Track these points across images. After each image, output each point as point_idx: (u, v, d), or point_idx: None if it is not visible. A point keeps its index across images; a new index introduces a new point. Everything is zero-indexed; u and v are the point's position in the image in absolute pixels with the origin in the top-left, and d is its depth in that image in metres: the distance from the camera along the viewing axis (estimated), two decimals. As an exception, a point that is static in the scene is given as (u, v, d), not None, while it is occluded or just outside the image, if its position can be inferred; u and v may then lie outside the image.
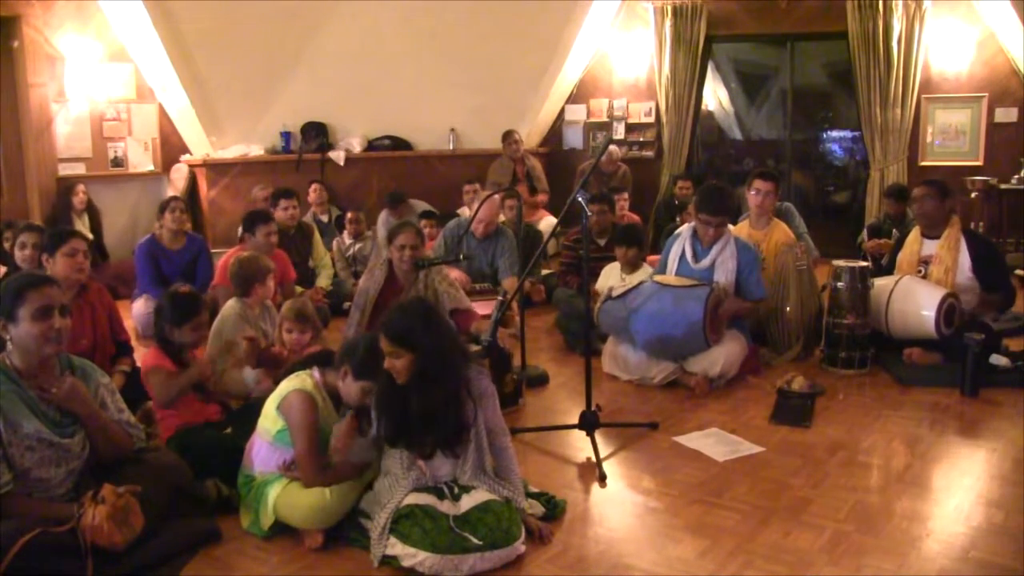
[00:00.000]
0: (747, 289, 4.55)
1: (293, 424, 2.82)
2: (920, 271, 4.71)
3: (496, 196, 5.92)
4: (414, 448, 2.76)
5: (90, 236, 7.15)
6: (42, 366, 2.64)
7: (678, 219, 7.16)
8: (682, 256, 4.66)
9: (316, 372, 2.94)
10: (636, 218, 7.46)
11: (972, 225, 7.08)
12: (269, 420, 2.90)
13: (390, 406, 2.74)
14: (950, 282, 4.56)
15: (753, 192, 5.12)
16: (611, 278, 5.27)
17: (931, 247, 4.74)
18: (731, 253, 4.54)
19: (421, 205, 7.94)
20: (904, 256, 4.87)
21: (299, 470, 2.85)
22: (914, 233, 4.90)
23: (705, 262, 4.56)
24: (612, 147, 8.57)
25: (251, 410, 3.34)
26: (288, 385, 2.89)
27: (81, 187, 7.21)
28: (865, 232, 6.75)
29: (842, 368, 4.57)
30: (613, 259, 5.50)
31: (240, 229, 5.89)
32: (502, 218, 6.11)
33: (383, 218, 7.49)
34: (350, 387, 2.88)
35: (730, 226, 5.15)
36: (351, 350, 2.91)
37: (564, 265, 6.03)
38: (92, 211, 7.36)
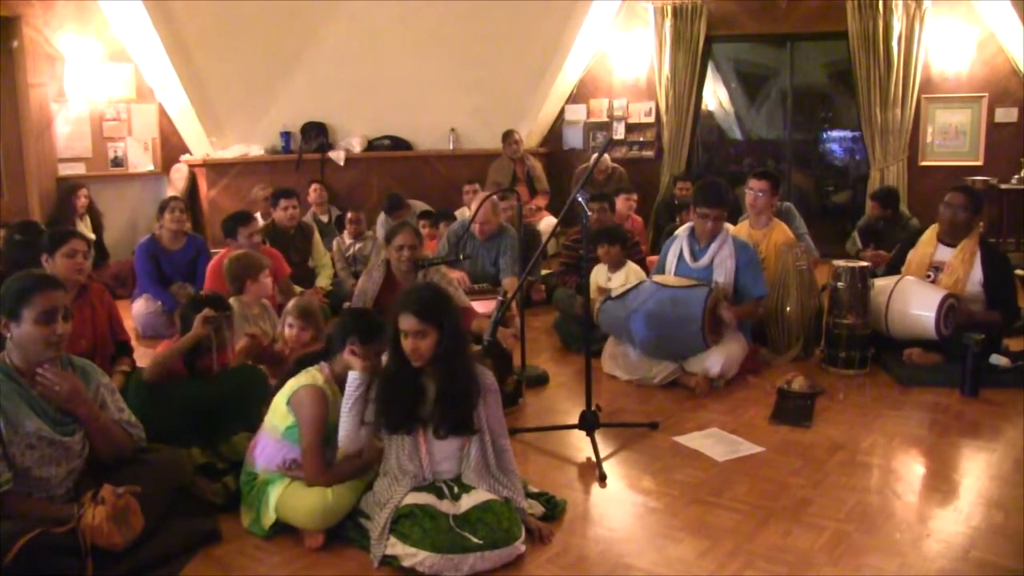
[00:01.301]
0: (748, 288, 4.55)
1: (303, 418, 2.83)
2: (929, 276, 4.64)
3: (493, 197, 5.91)
4: (419, 435, 2.76)
5: (92, 236, 7.15)
6: (42, 365, 2.64)
7: (677, 219, 7.15)
8: (680, 256, 4.66)
9: (325, 367, 2.95)
10: (639, 219, 7.46)
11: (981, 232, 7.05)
12: (278, 416, 2.91)
13: (402, 390, 2.75)
14: (959, 291, 4.48)
15: (748, 191, 5.13)
16: (598, 278, 5.25)
17: (945, 253, 4.64)
18: (729, 252, 4.54)
19: (420, 205, 7.96)
20: (915, 257, 4.78)
21: (303, 465, 2.85)
22: (930, 234, 4.78)
23: (703, 261, 4.56)
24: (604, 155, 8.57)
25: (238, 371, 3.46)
26: (299, 381, 2.90)
27: (84, 190, 7.22)
28: (856, 235, 6.73)
29: (842, 368, 4.57)
30: None
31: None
32: (501, 219, 6.11)
33: (382, 220, 7.54)
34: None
35: (730, 226, 5.16)
36: (346, 325, 2.94)
37: (564, 265, 6.03)
38: (93, 213, 7.36)
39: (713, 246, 4.55)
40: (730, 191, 4.88)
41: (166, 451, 3.04)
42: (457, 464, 2.80)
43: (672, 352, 4.40)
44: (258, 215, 6.29)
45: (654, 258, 5.32)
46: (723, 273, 4.50)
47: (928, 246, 4.75)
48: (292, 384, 2.91)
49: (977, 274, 4.53)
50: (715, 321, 4.33)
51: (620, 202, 6.85)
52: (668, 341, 4.33)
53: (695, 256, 4.61)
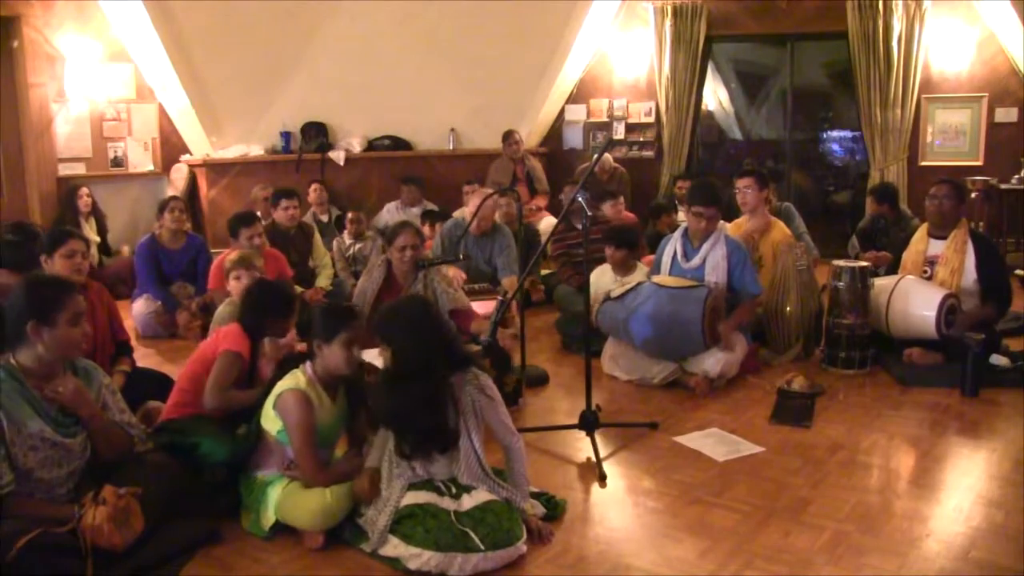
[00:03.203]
0: (745, 287, 4.54)
1: (290, 423, 2.83)
2: (926, 271, 4.67)
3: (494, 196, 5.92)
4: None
5: (97, 239, 7.16)
6: (49, 367, 2.66)
7: (662, 217, 7.17)
8: (674, 257, 4.67)
9: (308, 367, 2.94)
10: (632, 216, 7.44)
11: (971, 225, 7.07)
12: (269, 420, 2.91)
13: (380, 389, 2.80)
14: (955, 284, 4.51)
15: (736, 192, 5.16)
16: (604, 280, 5.21)
17: (938, 247, 4.68)
18: (722, 252, 4.53)
19: (428, 204, 8.07)
20: (909, 255, 4.81)
21: (299, 468, 2.85)
22: (920, 232, 4.84)
23: (695, 261, 4.56)
24: (605, 155, 8.59)
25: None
26: (282, 385, 2.89)
27: (85, 190, 7.22)
28: (855, 239, 6.74)
29: (842, 368, 4.57)
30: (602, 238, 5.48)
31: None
32: (496, 216, 6.12)
33: (389, 208, 7.98)
34: (332, 354, 2.86)
35: (727, 224, 5.18)
36: (307, 325, 2.95)
37: (559, 257, 6.00)
38: (97, 213, 7.36)
39: (705, 246, 4.55)
40: (723, 190, 4.89)
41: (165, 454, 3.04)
42: (448, 468, 2.79)
43: (672, 352, 4.40)
44: (258, 215, 6.29)
45: (651, 258, 5.31)
46: (716, 273, 4.49)
47: (920, 243, 4.79)
48: (277, 388, 2.90)
49: (971, 264, 4.55)
50: (714, 322, 4.33)
51: (608, 208, 6.82)
52: (668, 342, 4.33)
53: (687, 256, 4.61)
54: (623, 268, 5.21)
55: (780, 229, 5.14)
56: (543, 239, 5.35)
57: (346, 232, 6.93)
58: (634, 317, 4.37)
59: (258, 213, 6.25)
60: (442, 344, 2.77)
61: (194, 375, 3.33)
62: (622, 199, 6.72)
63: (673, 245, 4.71)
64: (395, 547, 2.62)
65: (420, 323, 2.76)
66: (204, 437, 3.06)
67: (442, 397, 2.73)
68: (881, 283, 4.67)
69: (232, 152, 8.35)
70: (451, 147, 8.91)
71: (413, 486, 2.73)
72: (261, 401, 2.99)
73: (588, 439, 3.47)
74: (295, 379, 2.89)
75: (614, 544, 2.78)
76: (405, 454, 2.74)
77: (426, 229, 6.76)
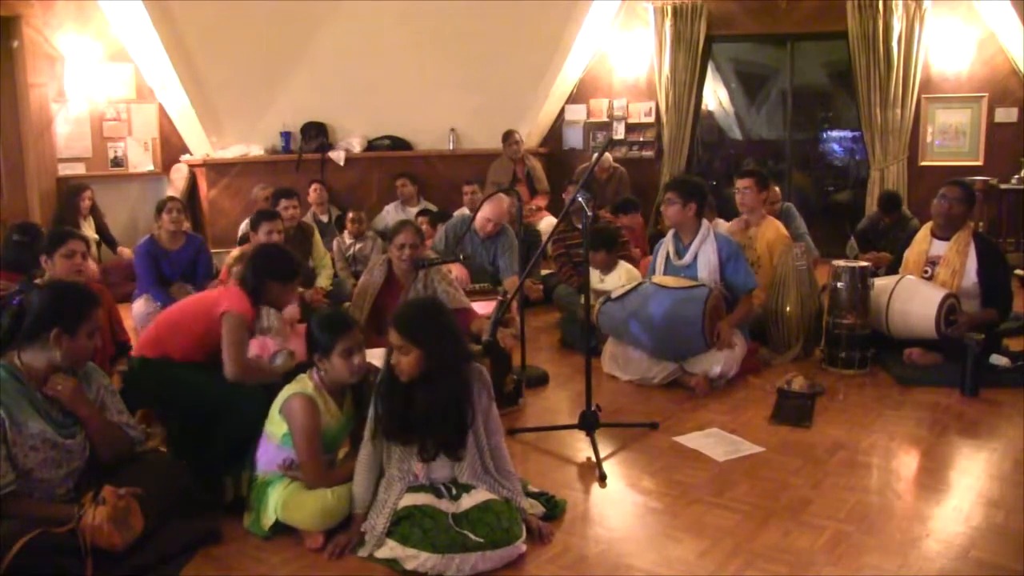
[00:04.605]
0: (737, 282, 4.52)
1: (295, 428, 2.83)
2: (927, 272, 4.66)
3: (503, 196, 5.89)
4: (413, 446, 2.75)
5: (95, 236, 7.17)
6: (54, 371, 2.67)
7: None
8: (667, 257, 4.67)
9: (315, 373, 2.94)
10: (639, 220, 7.43)
11: (974, 226, 7.07)
12: (274, 424, 2.91)
13: (391, 399, 2.74)
14: (955, 285, 4.50)
15: (736, 192, 5.16)
16: (592, 281, 5.24)
17: (940, 248, 4.66)
18: (712, 248, 4.53)
19: (427, 205, 8.06)
20: (911, 255, 4.81)
21: (302, 472, 2.85)
22: (924, 231, 4.82)
23: (687, 259, 4.56)
24: (605, 154, 8.58)
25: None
26: (289, 389, 2.90)
27: (89, 192, 7.24)
28: (853, 240, 6.73)
29: (842, 368, 4.57)
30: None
31: (243, 227, 5.95)
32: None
33: (388, 208, 7.97)
34: (334, 366, 2.87)
35: (724, 223, 5.17)
36: (310, 336, 2.93)
37: (559, 257, 6.00)
38: (95, 213, 7.38)
39: (695, 243, 4.55)
40: (703, 183, 4.89)
41: (165, 455, 3.05)
42: (449, 469, 2.80)
43: (674, 353, 4.40)
44: (280, 214, 6.28)
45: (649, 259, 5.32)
46: (707, 269, 4.49)
47: (923, 243, 4.77)
48: (284, 392, 2.91)
49: (973, 266, 4.53)
50: (715, 321, 4.33)
51: (627, 219, 6.80)
52: (669, 342, 4.33)
53: (679, 254, 4.62)
54: (606, 268, 5.33)
55: (775, 229, 5.14)
56: (543, 239, 5.35)
57: (346, 232, 6.92)
58: (636, 318, 4.37)
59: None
60: (461, 342, 2.80)
61: (174, 322, 3.39)
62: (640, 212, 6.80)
63: (666, 245, 4.71)
64: (391, 549, 2.61)
65: (446, 323, 2.77)
66: (238, 395, 3.14)
67: (468, 393, 2.75)
68: (881, 283, 4.67)
69: (232, 152, 8.35)
70: (451, 147, 8.91)
71: (412, 488, 2.73)
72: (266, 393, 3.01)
73: (588, 439, 3.47)
74: (302, 384, 2.90)
75: (614, 544, 2.78)
76: (431, 456, 2.73)
77: (424, 227, 6.75)
